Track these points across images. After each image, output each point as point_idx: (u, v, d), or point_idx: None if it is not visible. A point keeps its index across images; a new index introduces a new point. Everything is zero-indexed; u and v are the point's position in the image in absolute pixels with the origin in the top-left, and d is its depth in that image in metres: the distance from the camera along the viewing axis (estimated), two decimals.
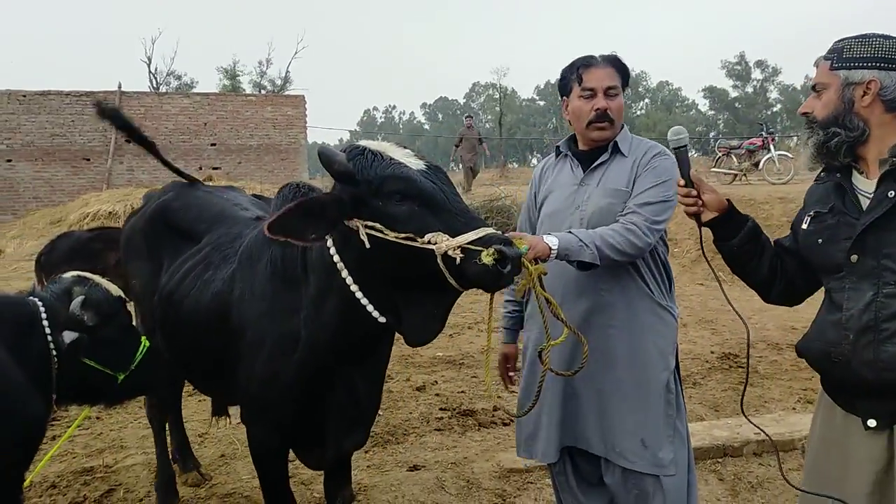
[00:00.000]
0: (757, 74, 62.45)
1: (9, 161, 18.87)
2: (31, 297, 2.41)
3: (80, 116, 19.35)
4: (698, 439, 4.32)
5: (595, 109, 2.49)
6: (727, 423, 4.52)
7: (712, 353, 6.52)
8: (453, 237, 1.91)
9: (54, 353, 2.31)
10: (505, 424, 4.77)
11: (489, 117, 67.00)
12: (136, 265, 3.39)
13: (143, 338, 2.63)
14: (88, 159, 19.24)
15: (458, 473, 3.97)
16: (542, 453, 2.65)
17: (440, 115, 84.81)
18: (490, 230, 1.96)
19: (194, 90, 34.27)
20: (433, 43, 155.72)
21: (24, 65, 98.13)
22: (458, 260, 1.89)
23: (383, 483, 3.86)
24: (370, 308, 2.14)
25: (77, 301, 2.34)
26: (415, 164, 2.08)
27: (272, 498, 2.70)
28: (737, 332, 7.07)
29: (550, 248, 2.20)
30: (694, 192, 2.06)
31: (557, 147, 2.70)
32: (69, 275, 2.50)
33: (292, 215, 1.99)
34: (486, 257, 1.85)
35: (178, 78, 37.19)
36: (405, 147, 2.20)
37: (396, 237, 1.97)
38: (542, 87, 78.02)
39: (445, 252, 1.90)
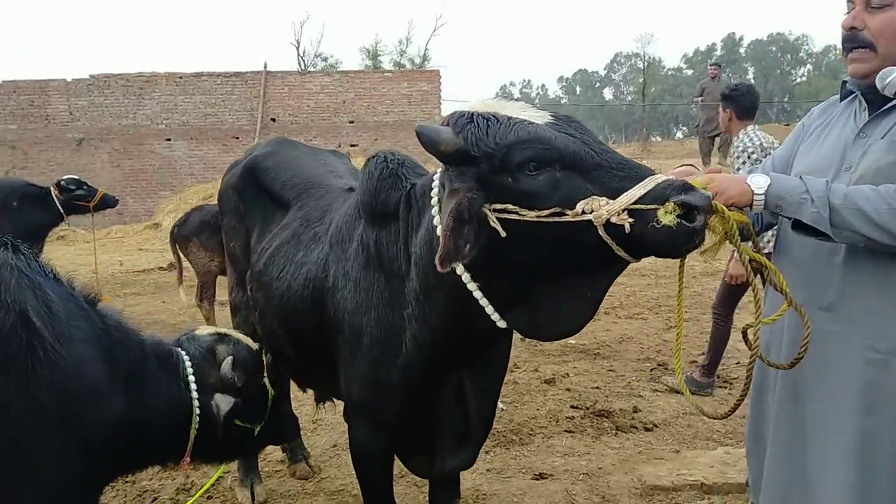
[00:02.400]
0: None
1: (168, 140, 20.18)
2: (177, 349, 2.33)
3: (230, 96, 20.32)
4: None
5: (843, 28, 1.74)
6: None
7: None
8: (613, 199, 1.50)
9: (198, 413, 2.21)
10: (647, 430, 4.16)
11: (631, 88, 64.06)
12: (229, 222, 3.21)
13: (268, 384, 2.49)
14: (237, 137, 20.13)
15: (591, 486, 3.45)
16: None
17: (578, 88, 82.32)
18: (660, 178, 1.52)
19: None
20: (572, 13, 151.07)
21: (179, 49, 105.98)
22: (627, 227, 1.49)
23: (504, 492, 3.41)
24: (489, 310, 1.77)
25: (228, 362, 2.26)
26: (538, 117, 1.65)
27: (372, 502, 2.39)
28: None
29: (753, 192, 1.60)
30: None
31: (844, 82, 1.87)
32: (208, 331, 2.42)
33: (453, 235, 1.57)
34: (666, 216, 1.45)
35: (325, 59, 38.22)
36: (517, 99, 1.78)
37: (539, 216, 1.56)
38: (689, 54, 73.48)
39: (608, 220, 1.49)
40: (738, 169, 4.55)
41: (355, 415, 2.33)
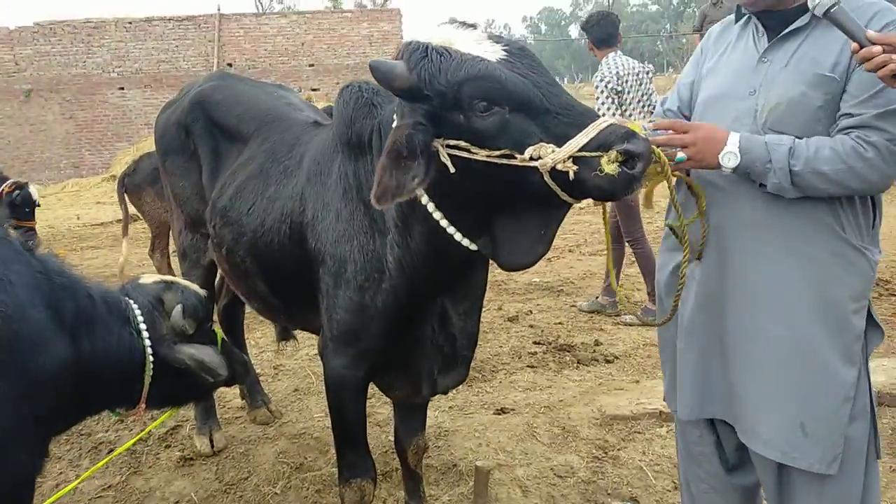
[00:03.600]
0: None
1: (121, 89, 19.47)
2: (125, 297, 2.27)
3: (184, 41, 19.59)
4: None
5: None
6: (882, 364, 3.73)
7: None
8: (560, 145, 1.55)
9: (151, 360, 2.18)
10: (608, 362, 4.21)
11: None
12: (173, 163, 3.07)
13: (217, 329, 2.48)
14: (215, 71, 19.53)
15: (552, 419, 3.47)
16: (680, 408, 2.06)
17: (543, 27, 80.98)
18: (603, 123, 1.56)
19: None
20: None
21: None
22: (571, 174, 1.55)
23: (466, 427, 3.42)
24: (458, 237, 1.82)
25: (178, 310, 2.24)
26: (492, 52, 1.64)
27: (345, 439, 2.36)
28: (887, 252, 6.06)
29: (723, 167, 1.69)
30: (878, 49, 1.48)
31: (739, 7, 1.89)
32: (153, 279, 2.36)
33: (388, 172, 1.61)
34: (609, 165, 1.51)
35: (281, 1, 37.04)
36: (472, 26, 1.75)
37: (489, 156, 1.61)
38: None
39: (553, 167, 1.55)
40: (598, 98, 4.71)
41: (336, 345, 2.28)
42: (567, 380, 3.97)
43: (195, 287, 2.43)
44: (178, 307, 2.24)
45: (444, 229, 1.82)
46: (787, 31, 1.75)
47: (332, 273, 2.18)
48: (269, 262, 2.46)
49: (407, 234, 1.98)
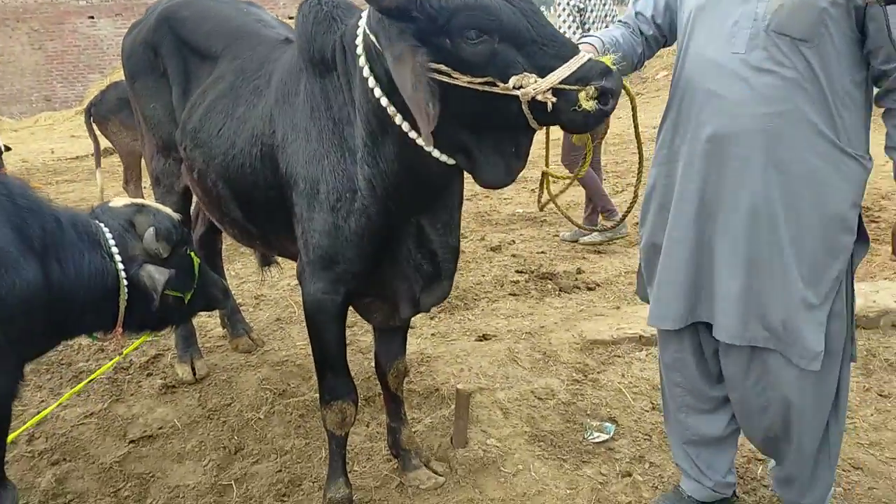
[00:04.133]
0: None
1: (91, 18, 18.76)
2: (94, 221, 2.21)
3: None
4: None
5: None
6: (859, 288, 3.77)
7: None
8: (542, 75, 1.59)
9: (125, 284, 2.15)
10: (589, 289, 4.23)
11: None
12: (143, 84, 2.97)
13: (193, 253, 2.44)
14: None
15: (532, 344, 3.50)
16: (660, 317, 2.09)
17: None
18: (584, 57, 1.62)
19: None
20: None
21: None
22: (549, 105, 1.60)
23: (448, 354, 3.45)
24: (436, 153, 1.84)
25: (151, 233, 2.20)
26: None
27: (325, 362, 2.34)
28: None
29: None
30: None
31: None
32: (124, 202, 2.31)
33: (427, 107, 1.60)
34: (586, 101, 1.59)
35: None
36: None
37: (471, 82, 1.63)
38: None
39: (534, 97, 1.60)
40: (560, 15, 4.75)
41: (313, 269, 2.24)
42: (549, 307, 3.99)
43: (168, 210, 2.39)
44: (151, 230, 2.20)
45: (420, 147, 1.80)
46: None
47: (305, 195, 2.14)
48: (242, 187, 2.39)
49: (377, 153, 1.96)
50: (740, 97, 1.78)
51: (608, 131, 2.17)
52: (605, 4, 4.83)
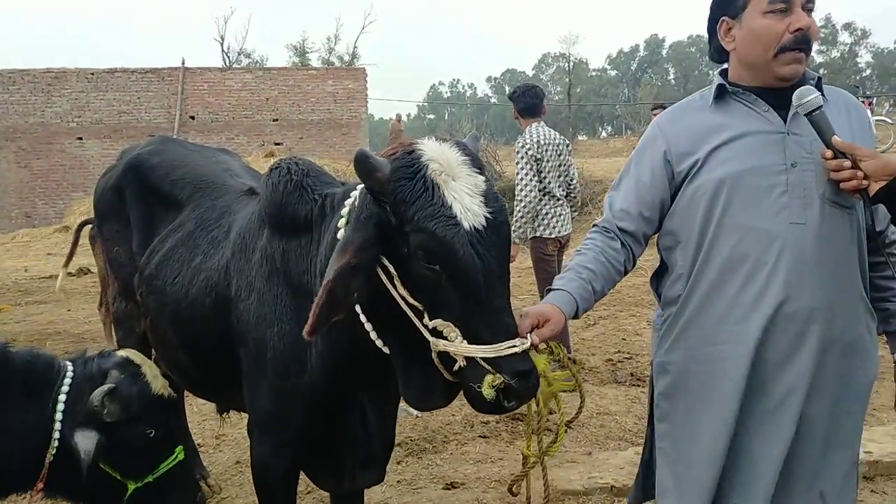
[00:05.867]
0: (845, 38, 58.41)
1: (79, 139, 19.28)
2: (66, 363, 2.08)
3: (146, 93, 19.56)
4: None
5: (795, 31, 1.71)
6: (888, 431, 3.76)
7: None
8: (466, 336, 1.52)
9: (56, 440, 1.96)
10: None
11: (558, 88, 65.20)
12: (110, 227, 2.99)
13: (180, 448, 2.15)
14: (154, 136, 19.39)
15: (502, 494, 3.37)
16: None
17: (506, 88, 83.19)
18: (515, 348, 1.51)
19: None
20: (501, 13, 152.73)
21: (94, 47, 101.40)
22: (456, 366, 1.55)
23: (413, 503, 3.30)
24: (374, 336, 1.78)
25: (101, 391, 1.96)
26: (474, 214, 1.54)
27: None
28: None
29: None
30: (848, 163, 1.61)
31: (722, 85, 1.85)
32: (123, 354, 2.15)
33: (327, 309, 1.58)
34: (488, 387, 1.50)
35: (249, 56, 37.25)
36: (478, 166, 1.64)
37: (403, 298, 1.59)
38: (613, 55, 75.37)
39: (444, 352, 1.55)
40: (518, 163, 4.93)
41: (259, 430, 2.21)
42: (519, 451, 3.88)
43: (158, 381, 2.16)
44: (105, 387, 2.01)
45: (363, 325, 1.76)
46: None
47: (253, 357, 2.11)
48: (191, 336, 2.36)
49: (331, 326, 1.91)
50: (803, 269, 1.72)
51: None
52: (560, 155, 5.01)
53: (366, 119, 20.92)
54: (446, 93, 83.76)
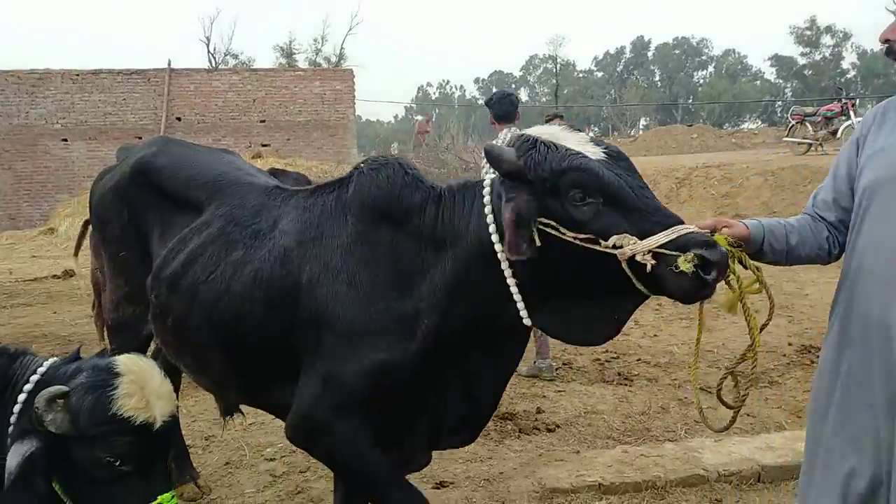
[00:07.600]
0: (827, 40, 58.86)
1: (64, 140, 19.11)
2: (44, 360, 1.86)
3: (132, 95, 19.42)
4: (778, 454, 3.66)
5: None
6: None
7: (790, 345, 5.78)
8: (642, 239, 1.72)
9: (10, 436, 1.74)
10: (549, 430, 4.18)
11: (545, 90, 65.37)
12: (112, 230, 2.93)
13: (168, 497, 1.78)
14: (140, 137, 19.18)
15: (491, 492, 3.41)
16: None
17: (494, 89, 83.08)
18: (687, 228, 1.74)
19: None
20: (488, 14, 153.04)
21: (79, 47, 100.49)
22: (648, 266, 1.71)
23: None
24: (520, 307, 1.95)
25: (47, 393, 1.66)
26: (593, 152, 1.85)
27: (389, 486, 2.24)
28: (817, 319, 6.28)
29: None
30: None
31: None
32: (119, 358, 1.85)
33: (516, 231, 1.81)
34: (684, 263, 1.66)
35: (236, 57, 37.05)
36: (578, 130, 2.01)
37: (575, 237, 1.79)
38: (600, 57, 75.68)
39: (632, 257, 1.72)
40: None
41: (341, 412, 2.17)
42: (508, 450, 3.92)
43: (137, 398, 1.74)
44: (52, 389, 1.68)
45: (507, 298, 1.93)
46: None
47: (344, 336, 2.12)
48: (233, 332, 2.33)
49: (458, 299, 2.04)
50: None
51: None
52: None
53: (353, 120, 20.88)
54: (434, 94, 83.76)
